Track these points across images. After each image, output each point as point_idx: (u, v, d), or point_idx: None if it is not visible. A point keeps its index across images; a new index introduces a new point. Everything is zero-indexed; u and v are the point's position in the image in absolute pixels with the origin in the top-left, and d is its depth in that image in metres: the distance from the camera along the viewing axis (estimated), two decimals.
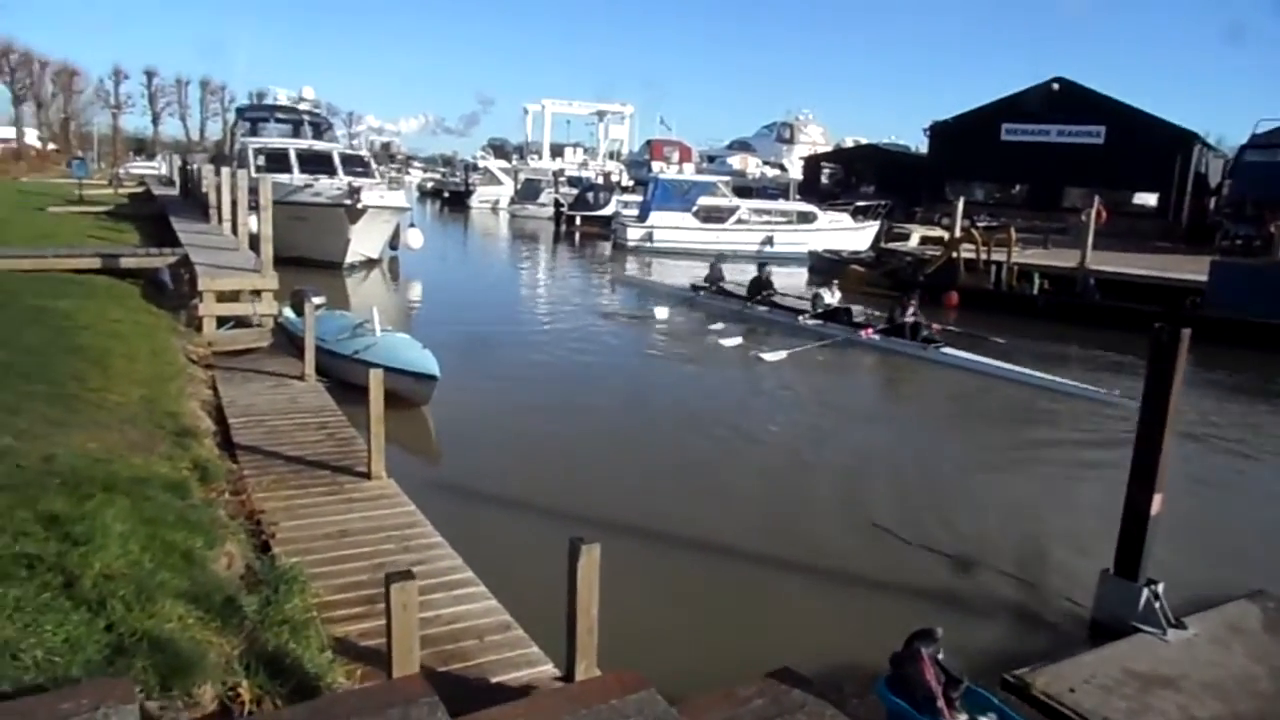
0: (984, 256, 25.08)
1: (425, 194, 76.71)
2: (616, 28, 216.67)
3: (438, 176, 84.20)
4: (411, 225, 28.79)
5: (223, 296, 14.16)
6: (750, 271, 23.17)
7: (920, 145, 50.55)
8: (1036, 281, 24.24)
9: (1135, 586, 6.34)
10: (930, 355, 17.08)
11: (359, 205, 23.75)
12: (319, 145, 29.60)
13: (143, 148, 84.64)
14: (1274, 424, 14.46)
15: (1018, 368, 15.98)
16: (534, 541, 7.31)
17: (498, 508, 8.68)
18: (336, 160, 27.64)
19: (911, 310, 17.96)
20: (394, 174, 79.24)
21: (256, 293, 14.44)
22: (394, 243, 28.75)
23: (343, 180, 25.29)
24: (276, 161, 27.07)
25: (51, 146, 72.22)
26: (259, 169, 26.52)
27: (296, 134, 31.85)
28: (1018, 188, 45.08)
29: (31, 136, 71.63)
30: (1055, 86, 40.33)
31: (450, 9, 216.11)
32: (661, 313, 20.38)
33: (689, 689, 4.84)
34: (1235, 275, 21.48)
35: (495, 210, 60.47)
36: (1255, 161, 34.86)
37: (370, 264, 27.10)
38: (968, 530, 8.76)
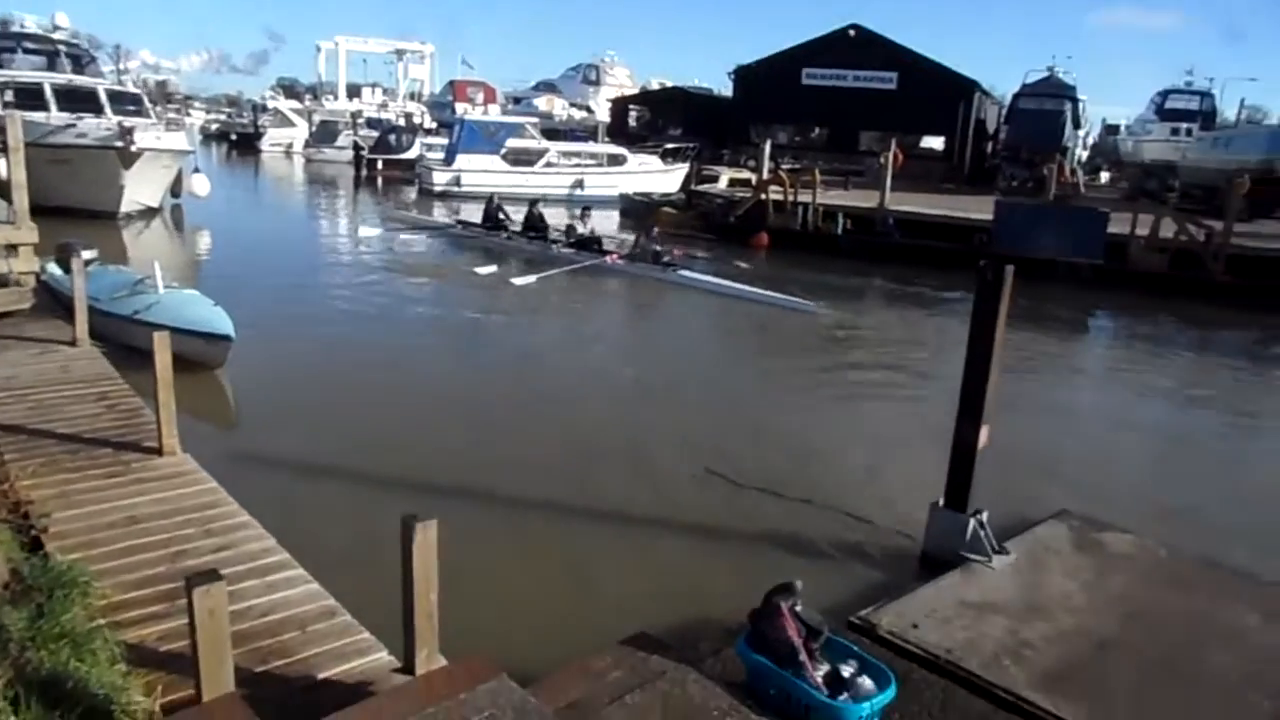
0: (791, 198, 25.75)
1: (210, 136, 70.86)
2: None
3: (223, 118, 78.00)
4: (196, 170, 26.38)
5: None
6: (556, 213, 24.37)
7: (724, 89, 51.24)
8: (840, 221, 25.14)
9: (963, 518, 6.54)
10: (669, 277, 18.80)
11: (133, 148, 21.43)
12: (80, 80, 26.38)
13: None
14: (1054, 348, 15.64)
15: (739, 285, 18.10)
16: (353, 514, 6.78)
17: (311, 479, 7.95)
18: (103, 97, 24.75)
19: (653, 238, 20.08)
20: (173, 115, 72.67)
21: (12, 248, 12.71)
22: (176, 190, 26.28)
23: (111, 120, 22.72)
24: (29, 97, 23.94)
25: None
26: (7, 105, 23.39)
27: (52, 67, 28.28)
28: (818, 131, 46.61)
29: None
30: (851, 33, 41.71)
31: None
32: (433, 251, 21.37)
33: (542, 667, 4.53)
34: (1016, 214, 23.01)
35: (289, 154, 56.59)
36: (1026, 109, 37.66)
37: (150, 213, 24.64)
38: (789, 466, 8.87)
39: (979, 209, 24.58)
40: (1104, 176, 45.41)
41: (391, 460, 8.27)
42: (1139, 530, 7.24)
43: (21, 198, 12.98)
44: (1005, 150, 39.62)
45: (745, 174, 34.70)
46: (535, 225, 22.21)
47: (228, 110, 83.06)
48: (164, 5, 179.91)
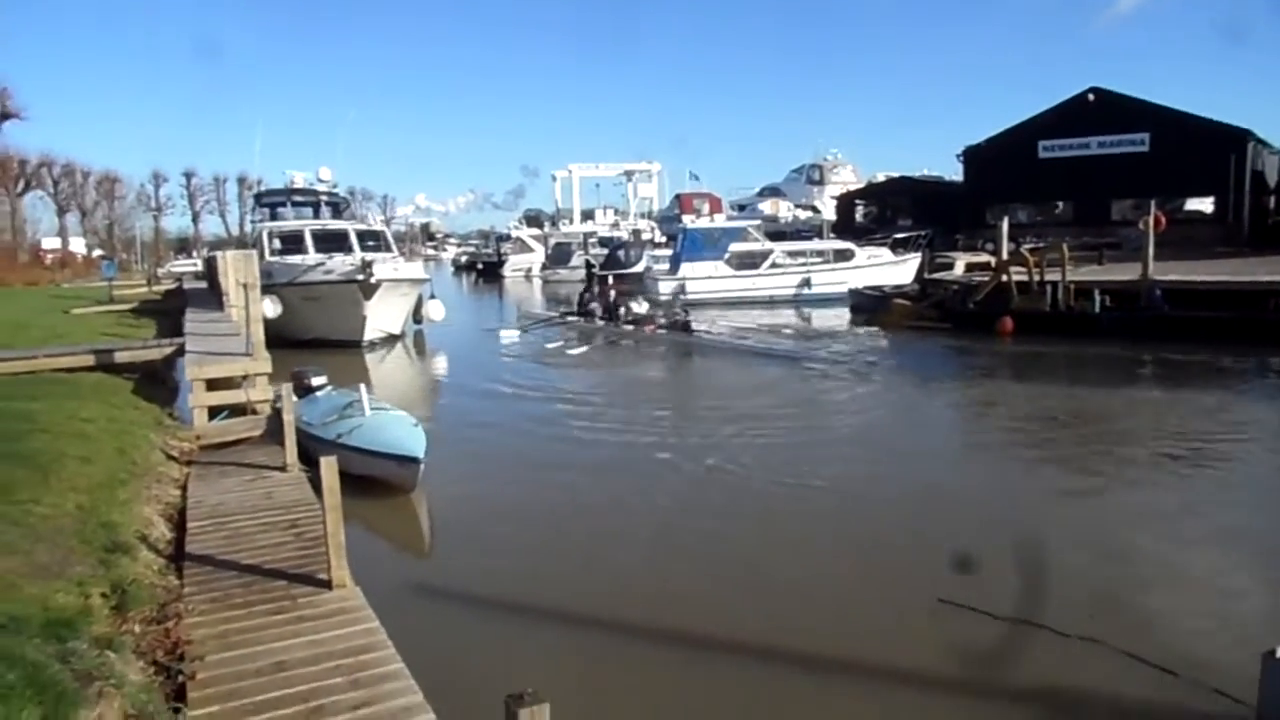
0: (1037, 278, 23.41)
1: (460, 267, 77.00)
2: (645, 90, 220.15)
3: (471, 249, 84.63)
4: (432, 297, 27.83)
5: (213, 384, 13.13)
6: (784, 314, 27.96)
7: (954, 174, 49.03)
8: (1097, 298, 22.45)
9: None
10: (693, 340, 23.26)
11: (372, 279, 22.87)
12: (333, 224, 28.95)
13: (185, 246, 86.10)
14: None
15: (751, 342, 22.26)
16: (528, 668, 5.88)
17: (485, 620, 7.10)
18: (352, 237, 26.88)
19: (682, 313, 25.17)
20: (430, 250, 79.34)
21: (251, 378, 13.41)
22: (418, 316, 27.85)
23: (356, 256, 24.50)
24: (292, 243, 26.54)
25: (97, 252, 73.36)
26: (274, 252, 25.95)
27: (316, 215, 31.37)
28: (1061, 205, 43.26)
29: (79, 244, 73.02)
30: (1091, 97, 38.79)
31: (491, 87, 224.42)
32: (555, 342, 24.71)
33: None
34: None
35: (528, 277, 60.12)
36: None
37: (392, 340, 26.11)
38: (1047, 593, 7.07)
39: (1268, 272, 21.19)
40: None
41: (564, 598, 7.37)
42: None
43: (258, 330, 13.80)
44: None
45: (983, 257, 32.36)
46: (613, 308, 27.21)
47: (475, 242, 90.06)
48: (438, 157, 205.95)
